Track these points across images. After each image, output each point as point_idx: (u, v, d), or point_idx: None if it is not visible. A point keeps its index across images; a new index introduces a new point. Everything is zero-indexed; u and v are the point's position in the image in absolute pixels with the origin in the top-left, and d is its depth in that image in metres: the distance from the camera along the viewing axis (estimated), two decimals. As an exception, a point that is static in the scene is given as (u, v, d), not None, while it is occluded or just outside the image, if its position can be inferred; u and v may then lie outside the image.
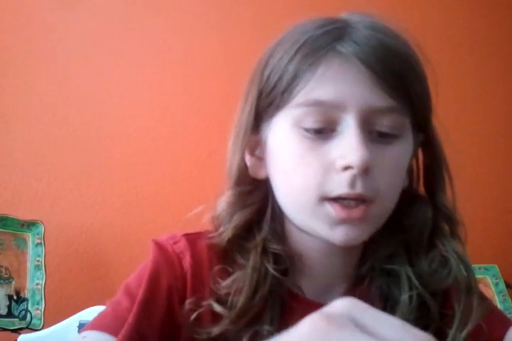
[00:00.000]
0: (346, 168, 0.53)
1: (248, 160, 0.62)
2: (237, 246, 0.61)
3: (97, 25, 1.76)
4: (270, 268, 0.59)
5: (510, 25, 1.97)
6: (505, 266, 1.66)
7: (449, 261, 0.60)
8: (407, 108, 0.56)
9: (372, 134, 0.55)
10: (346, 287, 0.63)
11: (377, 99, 0.54)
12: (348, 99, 0.54)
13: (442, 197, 0.62)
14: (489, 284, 1.63)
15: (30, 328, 1.37)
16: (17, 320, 1.39)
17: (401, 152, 0.58)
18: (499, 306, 1.57)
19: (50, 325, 1.34)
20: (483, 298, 0.61)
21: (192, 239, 0.63)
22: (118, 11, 1.78)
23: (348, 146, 0.53)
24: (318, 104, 0.54)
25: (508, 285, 1.62)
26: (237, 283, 0.58)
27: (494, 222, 1.81)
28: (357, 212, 0.54)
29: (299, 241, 0.61)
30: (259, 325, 0.57)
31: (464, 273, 0.59)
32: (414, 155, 0.63)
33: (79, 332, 1.30)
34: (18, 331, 1.35)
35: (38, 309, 1.42)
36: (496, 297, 1.60)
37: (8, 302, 1.40)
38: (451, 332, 0.57)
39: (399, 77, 0.55)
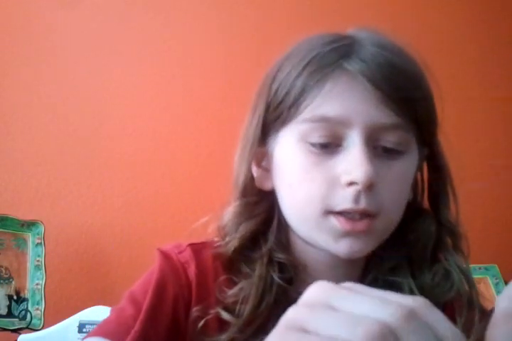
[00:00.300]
0: (351, 183, 0.54)
1: (255, 171, 0.63)
2: (243, 256, 0.62)
3: (97, 25, 1.76)
4: (276, 276, 0.59)
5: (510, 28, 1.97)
6: (505, 266, 1.66)
7: (452, 275, 0.60)
8: (412, 124, 0.57)
9: (377, 150, 0.56)
10: None
11: (383, 116, 0.55)
12: (353, 116, 0.55)
13: (446, 212, 0.62)
14: (489, 284, 1.63)
15: (30, 328, 1.37)
16: (17, 320, 1.39)
17: (405, 168, 0.58)
18: (499, 306, 1.56)
19: (50, 325, 1.34)
20: (484, 313, 0.61)
21: (197, 248, 0.64)
22: (118, 11, 1.78)
23: (352, 162, 0.54)
24: (324, 120, 0.55)
25: (508, 285, 1.62)
26: (243, 292, 0.59)
27: (494, 222, 1.80)
28: (361, 225, 0.55)
29: (304, 252, 0.62)
30: (265, 334, 0.57)
31: (466, 287, 0.60)
32: (420, 168, 0.64)
33: (79, 332, 1.31)
34: (18, 331, 1.35)
35: (38, 309, 1.42)
36: (496, 297, 1.60)
37: (8, 302, 1.40)
38: None
39: (404, 95, 0.56)
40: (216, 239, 0.64)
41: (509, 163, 1.86)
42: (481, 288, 1.62)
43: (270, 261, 0.61)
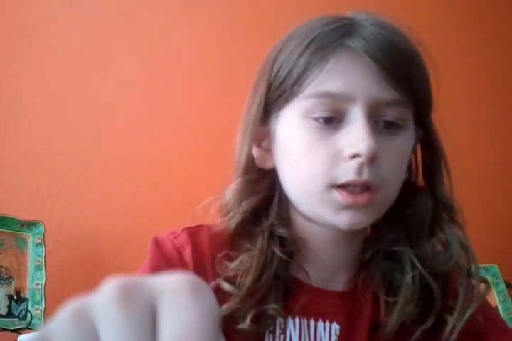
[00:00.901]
0: (354, 156, 0.56)
1: (255, 152, 0.64)
2: (245, 231, 0.63)
3: (98, 24, 1.76)
4: (277, 250, 0.61)
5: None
6: (506, 266, 1.66)
7: (450, 246, 0.62)
8: (411, 101, 0.59)
9: (378, 125, 0.58)
10: (350, 274, 0.66)
11: (384, 91, 0.57)
12: (356, 91, 0.56)
13: (441, 189, 0.65)
14: (489, 284, 1.63)
15: (30, 328, 1.37)
16: (17, 320, 1.39)
17: (404, 143, 0.60)
18: (499, 306, 1.57)
19: (50, 325, 1.34)
20: (484, 282, 0.64)
21: (192, 231, 0.66)
22: (118, 11, 1.78)
23: (355, 136, 0.55)
24: (327, 95, 0.57)
25: (508, 285, 1.62)
26: (244, 265, 0.60)
27: (494, 222, 1.81)
28: (362, 198, 0.56)
29: (304, 228, 0.64)
30: (264, 304, 0.59)
31: (465, 257, 0.62)
32: (414, 150, 0.66)
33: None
34: (18, 331, 1.35)
35: (38, 309, 1.42)
36: (496, 297, 1.60)
37: (8, 303, 1.40)
38: (454, 314, 0.59)
39: (404, 72, 0.58)
40: (215, 223, 0.66)
41: (510, 162, 1.87)
42: (481, 288, 1.62)
43: (271, 235, 0.62)
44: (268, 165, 0.64)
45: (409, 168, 0.66)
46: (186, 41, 1.80)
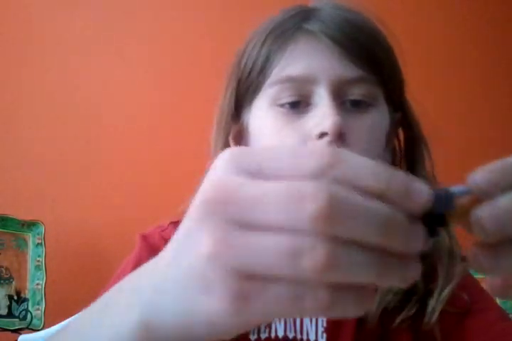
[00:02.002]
0: (321, 135, 0.55)
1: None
2: None
3: (98, 24, 1.76)
4: None
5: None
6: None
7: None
8: (377, 78, 0.59)
9: (346, 105, 0.58)
10: None
11: (347, 70, 0.57)
12: (318, 73, 0.57)
13: (421, 169, 0.65)
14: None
15: (30, 328, 1.37)
16: (17, 320, 1.39)
17: (376, 120, 0.60)
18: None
19: (51, 325, 1.34)
20: (464, 261, 0.64)
21: (179, 224, 0.66)
22: (119, 10, 1.78)
23: (321, 115, 0.55)
24: (290, 79, 0.58)
25: (508, 285, 1.62)
26: None
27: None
28: None
29: None
30: None
31: (447, 238, 0.63)
32: (395, 134, 0.66)
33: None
34: (18, 331, 1.35)
35: (38, 309, 1.42)
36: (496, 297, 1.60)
37: (8, 303, 1.40)
38: (434, 295, 0.59)
39: (365, 49, 0.58)
40: None
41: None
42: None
43: None
44: None
45: (393, 151, 0.67)
46: (187, 41, 1.80)
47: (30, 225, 1.50)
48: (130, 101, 1.73)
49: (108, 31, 1.76)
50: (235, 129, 0.65)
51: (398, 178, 0.25)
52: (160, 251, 0.64)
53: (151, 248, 0.66)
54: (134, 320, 0.30)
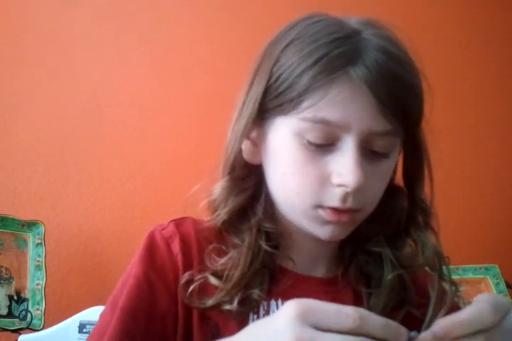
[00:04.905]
0: (341, 185, 0.59)
1: (244, 143, 0.65)
2: (232, 228, 0.66)
3: (99, 24, 1.76)
4: (263, 244, 0.65)
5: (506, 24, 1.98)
6: (506, 266, 1.66)
7: (422, 249, 0.66)
8: (402, 130, 0.61)
9: (366, 150, 0.60)
10: (330, 265, 0.70)
11: (378, 124, 0.59)
12: (352, 122, 0.58)
13: (419, 192, 0.67)
14: (490, 284, 1.63)
15: (30, 328, 1.37)
16: (17, 320, 1.39)
17: (389, 167, 0.63)
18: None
19: (51, 325, 1.34)
20: (455, 285, 0.67)
21: (179, 223, 0.69)
22: (119, 10, 1.78)
23: (345, 166, 0.58)
24: (324, 122, 0.58)
25: (508, 285, 1.62)
26: (232, 260, 0.64)
27: (494, 222, 1.80)
28: (345, 217, 0.61)
29: (288, 223, 0.67)
30: (249, 289, 0.63)
31: (437, 260, 0.65)
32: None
33: (79, 332, 1.31)
34: (18, 331, 1.35)
35: (38, 309, 1.42)
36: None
37: (8, 303, 1.40)
38: (426, 319, 0.62)
39: (401, 104, 0.59)
40: (203, 218, 0.69)
41: (509, 162, 1.86)
42: (482, 288, 1.62)
43: (258, 230, 0.66)
44: (255, 161, 0.66)
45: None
46: (187, 40, 1.80)
47: (30, 225, 1.50)
48: (131, 101, 1.74)
49: (109, 29, 1.76)
50: (252, 129, 0.65)
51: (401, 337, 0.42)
52: (159, 250, 0.65)
53: (154, 247, 0.67)
54: None
